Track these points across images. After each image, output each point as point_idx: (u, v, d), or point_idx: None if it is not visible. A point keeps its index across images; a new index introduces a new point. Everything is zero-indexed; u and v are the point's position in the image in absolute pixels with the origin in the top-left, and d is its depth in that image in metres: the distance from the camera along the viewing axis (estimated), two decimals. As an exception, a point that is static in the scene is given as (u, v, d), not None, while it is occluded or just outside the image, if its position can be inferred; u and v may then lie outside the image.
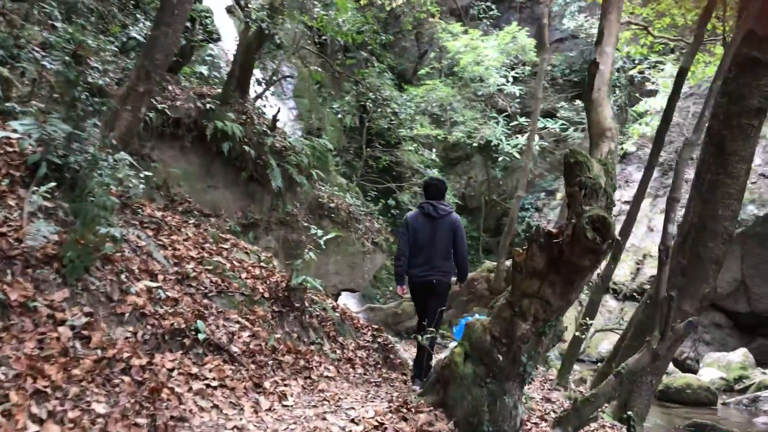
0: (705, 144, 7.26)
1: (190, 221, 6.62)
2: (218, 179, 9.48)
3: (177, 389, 3.90)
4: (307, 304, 5.58)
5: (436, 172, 15.17)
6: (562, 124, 20.69)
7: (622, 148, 19.81)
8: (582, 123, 21.10)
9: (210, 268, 5.38)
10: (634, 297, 16.72)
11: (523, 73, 20.68)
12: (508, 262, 8.44)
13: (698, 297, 7.21)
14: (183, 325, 4.41)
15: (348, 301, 13.35)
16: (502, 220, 23.67)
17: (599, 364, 11.21)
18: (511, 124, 21.05)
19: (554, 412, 5.82)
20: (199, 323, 4.52)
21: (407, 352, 7.50)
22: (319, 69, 14.29)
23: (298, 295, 5.47)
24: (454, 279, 6.41)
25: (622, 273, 17.94)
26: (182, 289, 4.90)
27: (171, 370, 4.06)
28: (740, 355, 14.20)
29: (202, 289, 5.07)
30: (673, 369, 13.14)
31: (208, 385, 4.12)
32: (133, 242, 4.89)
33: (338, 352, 5.49)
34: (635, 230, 18.43)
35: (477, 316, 5.31)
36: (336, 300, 11.44)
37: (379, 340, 6.21)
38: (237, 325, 4.91)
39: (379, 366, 5.83)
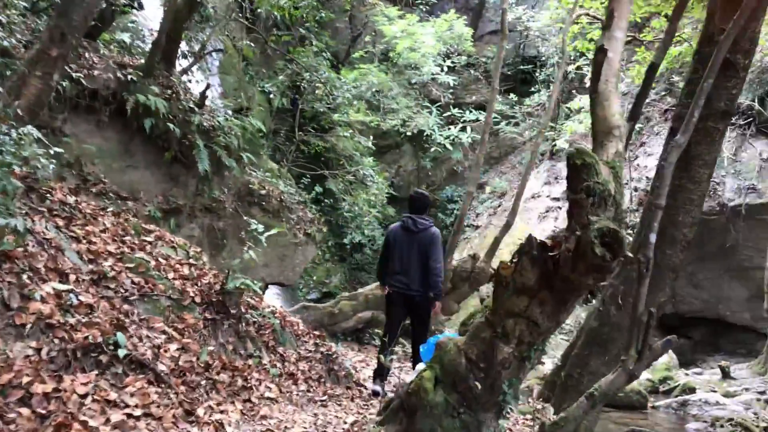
0: (667, 145, 6.94)
1: (108, 209, 5.77)
2: (138, 159, 8.57)
3: (91, 422, 3.16)
4: (243, 310, 4.88)
5: (371, 160, 14.58)
6: (495, 118, 20.43)
7: (553, 144, 19.79)
8: (514, 117, 20.96)
9: (131, 266, 4.59)
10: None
11: (458, 62, 20.30)
12: (454, 262, 7.95)
13: (654, 307, 6.90)
14: (99, 338, 3.65)
15: (272, 294, 12.63)
16: (430, 211, 23.34)
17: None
18: (444, 114, 20.69)
19: (511, 431, 5.34)
20: (119, 335, 3.77)
21: (345, 357, 6.90)
22: (252, 44, 13.38)
23: (234, 300, 4.76)
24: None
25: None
26: (99, 292, 4.12)
27: (83, 396, 3.31)
28: (664, 356, 14.27)
29: (122, 291, 4.30)
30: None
31: (129, 415, 3.39)
32: (40, 234, 4.06)
33: (279, 365, 4.82)
34: (559, 225, 18.48)
35: (448, 333, 4.78)
36: (263, 294, 10.71)
37: (322, 349, 5.57)
38: (163, 336, 4.16)
39: (323, 380, 5.20)
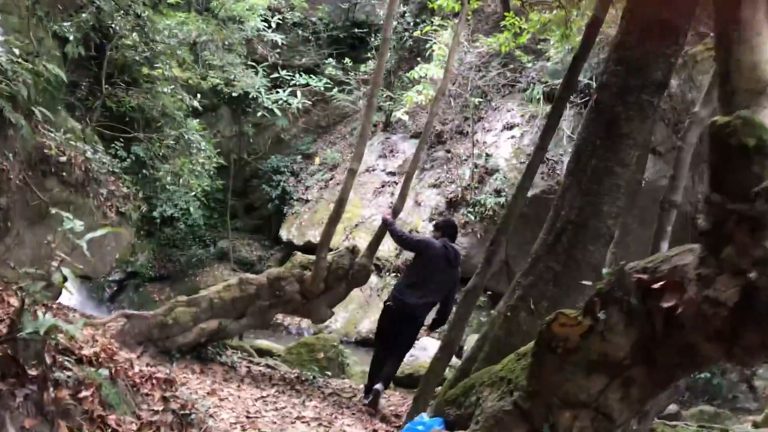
0: (590, 121, 5.81)
1: None
2: None
3: None
4: (50, 363, 2.95)
5: (196, 123, 12.38)
6: (327, 83, 18.84)
7: (388, 115, 18.65)
8: (348, 84, 19.50)
9: None
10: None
11: (290, 19, 18.45)
12: (329, 257, 6.33)
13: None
14: None
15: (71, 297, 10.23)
16: (252, 181, 21.38)
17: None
18: (271, 76, 18.70)
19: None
20: None
21: (188, 388, 5.08)
22: (44, -30, 10.58)
23: (33, 352, 2.82)
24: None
25: (386, 248, 16.83)
26: None
27: None
28: None
29: None
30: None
31: None
32: None
33: (112, 450, 2.99)
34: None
35: (425, 418, 3.25)
36: (57, 296, 8.36)
37: (173, 405, 3.73)
38: None
39: (180, 459, 3.42)
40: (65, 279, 3.14)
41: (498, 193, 14.93)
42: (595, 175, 5.64)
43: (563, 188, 5.95)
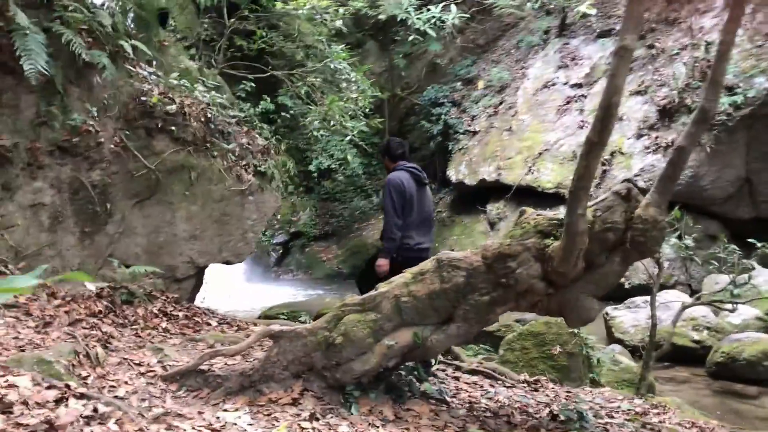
0: None
1: None
2: None
3: None
4: None
5: (341, 50, 9.96)
6: (484, -10, 15.80)
7: (564, 17, 15.40)
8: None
9: None
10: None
11: None
12: (589, 212, 3.69)
13: None
14: None
15: (214, 292, 8.45)
16: (408, 119, 19.05)
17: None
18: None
19: None
20: None
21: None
22: None
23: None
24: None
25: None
26: None
27: None
28: (765, 277, 10.35)
29: None
30: (704, 320, 9.25)
31: None
32: None
33: None
34: (586, 119, 14.33)
35: None
36: (195, 292, 6.43)
37: None
38: None
39: None
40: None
41: (729, 89, 11.41)
42: None
43: None
